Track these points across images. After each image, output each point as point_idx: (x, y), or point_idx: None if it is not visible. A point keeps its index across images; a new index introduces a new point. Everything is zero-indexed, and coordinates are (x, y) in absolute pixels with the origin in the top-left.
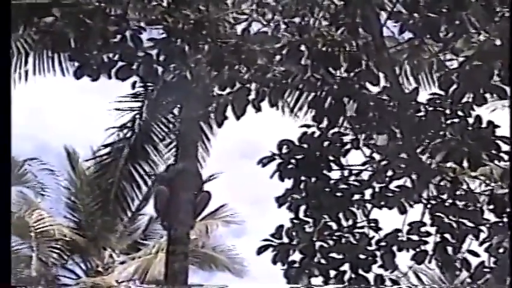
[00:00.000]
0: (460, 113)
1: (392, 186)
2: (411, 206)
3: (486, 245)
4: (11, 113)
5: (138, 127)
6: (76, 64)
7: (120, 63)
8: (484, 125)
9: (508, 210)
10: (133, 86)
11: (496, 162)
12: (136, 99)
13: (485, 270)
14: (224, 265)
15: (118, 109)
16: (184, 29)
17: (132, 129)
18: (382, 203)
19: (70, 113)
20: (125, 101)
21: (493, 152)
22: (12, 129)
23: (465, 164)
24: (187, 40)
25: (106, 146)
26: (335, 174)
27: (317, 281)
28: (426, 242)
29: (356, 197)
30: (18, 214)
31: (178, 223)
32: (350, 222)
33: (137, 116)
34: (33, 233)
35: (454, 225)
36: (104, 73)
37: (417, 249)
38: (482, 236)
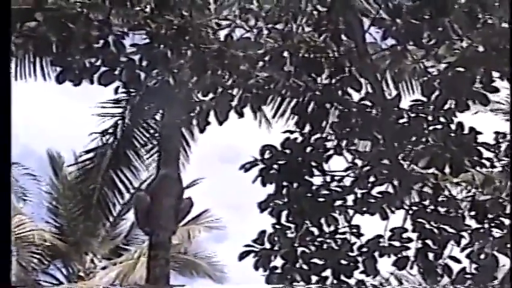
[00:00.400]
0: (442, 119)
1: (374, 192)
2: (393, 212)
3: (467, 251)
4: (11, 113)
5: (120, 132)
6: (58, 69)
7: (102, 69)
8: (466, 131)
9: (490, 216)
10: (116, 91)
11: (478, 168)
12: (119, 105)
13: (467, 276)
14: (205, 271)
15: (101, 114)
16: (167, 34)
17: (114, 135)
18: (364, 208)
19: (52, 118)
20: (107, 107)
21: (475, 158)
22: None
23: (447, 170)
24: (169, 45)
25: (88, 151)
26: (317, 180)
27: (299, 286)
28: (407, 248)
29: (338, 202)
30: None
31: (159, 229)
32: (332, 228)
33: (120, 122)
34: (14, 238)
35: (436, 231)
36: (87, 78)
37: (399, 255)
38: (464, 242)
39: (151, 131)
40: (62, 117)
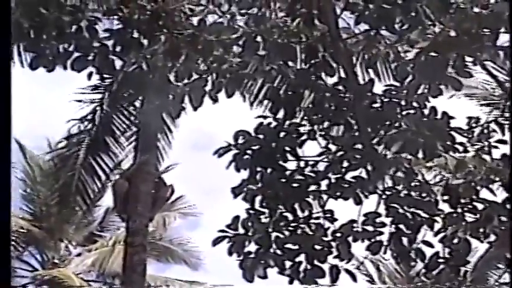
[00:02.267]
0: (415, 104)
1: (347, 177)
2: (366, 196)
3: (441, 235)
4: (11, 114)
5: (99, 119)
6: (32, 55)
7: (76, 54)
8: (439, 116)
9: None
10: (89, 77)
11: (451, 153)
12: (97, 91)
13: (440, 260)
14: (180, 258)
15: (79, 101)
16: (140, 19)
17: (93, 121)
18: (338, 193)
19: (27, 104)
20: (85, 93)
21: (448, 143)
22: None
23: (420, 155)
24: (143, 31)
25: (66, 138)
26: (291, 165)
27: (272, 271)
28: (381, 233)
29: (312, 187)
30: None
31: (137, 215)
32: (306, 213)
33: (98, 108)
34: None
35: (409, 216)
36: (60, 64)
37: (373, 240)
38: (437, 226)
39: (130, 118)
40: (36, 104)
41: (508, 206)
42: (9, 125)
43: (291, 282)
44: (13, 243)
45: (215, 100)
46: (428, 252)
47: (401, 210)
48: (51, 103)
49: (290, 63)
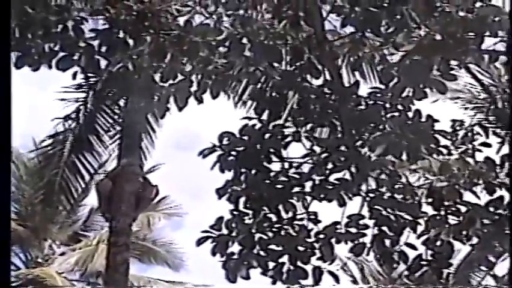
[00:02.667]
0: (399, 106)
1: (331, 179)
2: (350, 198)
3: (423, 238)
4: (11, 116)
5: (83, 118)
6: (17, 54)
7: (61, 54)
8: (423, 119)
9: (446, 203)
10: (74, 76)
11: (435, 155)
12: (81, 90)
13: (422, 263)
14: (163, 259)
15: (63, 99)
16: (127, 20)
17: (77, 120)
18: (321, 195)
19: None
20: (69, 92)
21: (432, 145)
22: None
23: (404, 157)
24: (129, 31)
25: (50, 136)
26: (276, 167)
27: (255, 272)
28: (364, 235)
29: (296, 189)
30: None
31: (121, 215)
32: (290, 214)
33: (82, 107)
34: None
35: (392, 218)
36: (45, 63)
37: (356, 242)
38: (420, 229)
39: (115, 117)
40: (21, 102)
41: (491, 208)
42: (9, 127)
43: (274, 283)
44: None
45: (200, 101)
46: (411, 254)
47: (384, 212)
48: (36, 102)
49: (276, 65)
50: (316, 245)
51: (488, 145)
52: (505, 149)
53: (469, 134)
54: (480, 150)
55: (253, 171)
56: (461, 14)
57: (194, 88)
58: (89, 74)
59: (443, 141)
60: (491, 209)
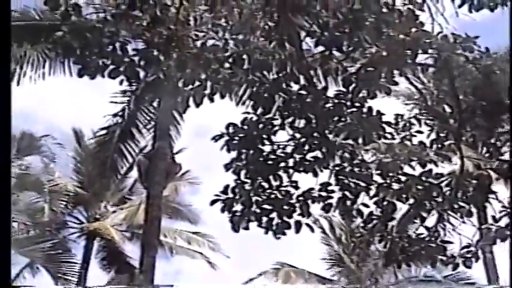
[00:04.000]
0: (357, 104)
1: (308, 156)
2: (321, 171)
3: (374, 199)
4: (10, 118)
5: (127, 115)
6: (79, 67)
7: (111, 66)
8: (374, 113)
9: (391, 174)
10: (121, 83)
11: (383, 140)
12: (125, 95)
13: (373, 217)
14: (185, 216)
15: (112, 102)
16: (159, 42)
17: (122, 117)
18: (301, 169)
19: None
20: (117, 96)
21: (380, 132)
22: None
23: (360, 141)
24: (161, 50)
25: (103, 128)
26: (267, 148)
27: (253, 225)
28: (331, 197)
29: (282, 164)
30: (36, 176)
31: (155, 184)
32: (277, 182)
33: (126, 107)
34: (47, 190)
35: (352, 185)
36: (100, 73)
37: (325, 202)
38: (372, 192)
39: (150, 114)
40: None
41: (423, 178)
42: (8, 129)
43: (266, 232)
44: (65, 203)
45: (212, 100)
46: (365, 211)
47: (346, 181)
48: (93, 102)
49: (267, 74)
50: (297, 205)
51: (421, 132)
52: (433, 135)
53: (407, 124)
54: (415, 136)
55: (251, 152)
56: (401, 36)
57: (207, 91)
58: (132, 82)
59: (388, 129)
60: (423, 178)
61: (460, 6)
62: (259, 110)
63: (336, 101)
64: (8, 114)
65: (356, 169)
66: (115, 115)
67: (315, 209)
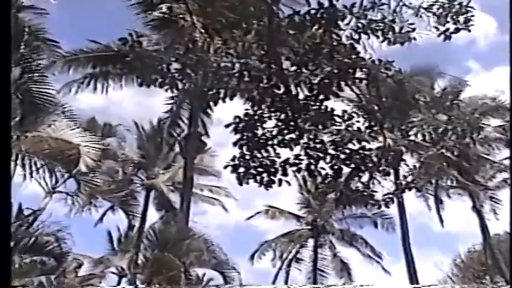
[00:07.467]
0: (318, 104)
1: (287, 137)
2: (295, 146)
3: (329, 164)
4: (10, 120)
5: (173, 112)
6: (140, 80)
7: (160, 79)
8: (328, 109)
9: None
10: (166, 90)
11: (334, 126)
12: (171, 99)
13: (328, 176)
14: (210, 173)
15: (166, 104)
16: (191, 63)
17: (171, 112)
18: (281, 145)
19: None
20: (167, 100)
21: (333, 122)
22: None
23: (320, 127)
24: (192, 69)
25: (160, 120)
26: (260, 131)
27: (251, 181)
28: (301, 163)
29: (269, 142)
30: (113, 150)
31: (189, 156)
32: (266, 154)
33: (174, 106)
34: (120, 159)
35: (315, 155)
36: (152, 84)
37: (298, 167)
38: (327, 160)
39: (187, 111)
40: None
41: (360, 151)
42: (8, 131)
43: (260, 185)
44: (132, 167)
45: (224, 101)
46: (323, 172)
47: (311, 153)
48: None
49: (260, 84)
50: (279, 168)
51: (358, 121)
52: (366, 124)
53: (350, 116)
54: (354, 124)
55: (250, 134)
56: (346, 60)
57: (221, 95)
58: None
59: (338, 120)
60: (360, 151)
61: (381, 42)
62: (255, 107)
63: (304, 101)
64: (8, 115)
65: (317, 145)
66: (166, 112)
67: (291, 171)
